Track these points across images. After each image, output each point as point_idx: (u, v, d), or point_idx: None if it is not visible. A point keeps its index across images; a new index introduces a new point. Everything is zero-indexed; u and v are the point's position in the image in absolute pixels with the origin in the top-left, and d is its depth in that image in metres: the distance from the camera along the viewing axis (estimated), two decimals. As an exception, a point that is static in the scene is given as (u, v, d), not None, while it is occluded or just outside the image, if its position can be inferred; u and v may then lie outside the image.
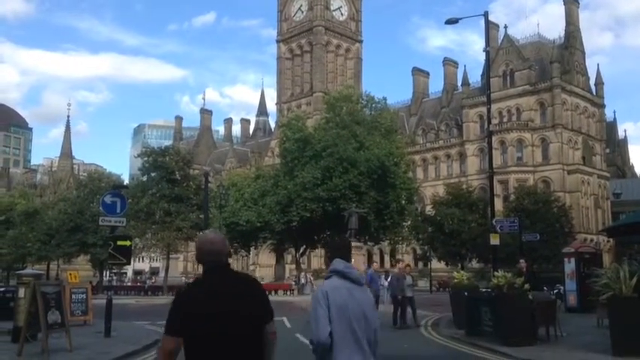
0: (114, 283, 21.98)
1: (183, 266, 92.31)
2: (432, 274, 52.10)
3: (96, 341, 13.16)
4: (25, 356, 10.74)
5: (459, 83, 79.15)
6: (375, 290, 17.82)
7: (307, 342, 12.84)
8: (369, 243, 53.04)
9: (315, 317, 3.56)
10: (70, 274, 23.33)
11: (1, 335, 13.62)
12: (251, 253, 71.28)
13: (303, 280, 45.57)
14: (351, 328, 3.54)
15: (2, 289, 21.20)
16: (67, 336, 11.78)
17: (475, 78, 76.24)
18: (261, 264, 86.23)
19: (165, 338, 3.15)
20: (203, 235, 3.46)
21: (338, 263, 3.81)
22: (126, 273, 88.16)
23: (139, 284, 56.43)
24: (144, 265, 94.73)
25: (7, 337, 12.87)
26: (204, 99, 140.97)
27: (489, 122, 21.47)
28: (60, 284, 13.09)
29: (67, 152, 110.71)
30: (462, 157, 74.64)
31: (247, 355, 3.07)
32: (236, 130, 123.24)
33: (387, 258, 79.32)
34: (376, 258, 78.77)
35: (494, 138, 49.46)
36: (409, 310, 16.62)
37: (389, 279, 18.01)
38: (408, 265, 21.48)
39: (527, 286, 12.19)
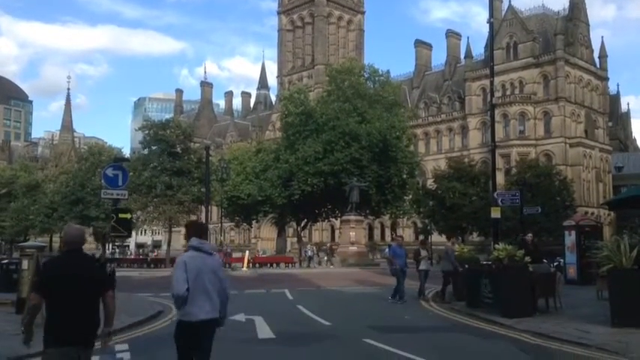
0: (117, 256, 22.20)
1: (185, 239, 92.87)
2: (433, 247, 52.28)
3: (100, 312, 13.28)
4: (30, 327, 10.82)
5: (462, 56, 78.45)
6: (401, 266, 16.29)
7: (309, 313, 12.98)
8: (369, 217, 53.22)
9: (176, 278, 5.01)
10: (73, 246, 23.44)
11: (5, 306, 13.75)
12: (253, 226, 71.62)
13: (309, 253, 45.65)
14: (203, 285, 5.04)
15: (5, 261, 21.36)
16: (70, 307, 11.87)
17: (478, 50, 75.59)
18: (262, 237, 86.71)
19: (32, 295, 4.52)
20: (67, 227, 4.84)
21: (194, 240, 5.26)
22: (128, 246, 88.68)
23: (141, 257, 56.74)
24: (146, 238, 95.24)
25: (12, 309, 12.99)
26: (205, 72, 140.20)
27: (492, 95, 21.28)
28: (63, 256, 13.13)
29: (67, 125, 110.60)
30: (464, 130, 74.38)
31: (87, 307, 4.51)
32: (236, 103, 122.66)
33: (387, 232, 79.70)
34: (377, 232, 79.25)
35: (496, 111, 49.04)
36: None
37: (445, 253, 17.23)
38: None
39: (527, 258, 12.24)
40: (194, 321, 5.00)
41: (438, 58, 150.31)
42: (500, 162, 58.33)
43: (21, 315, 11.48)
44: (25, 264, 13.03)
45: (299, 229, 53.65)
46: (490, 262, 13.59)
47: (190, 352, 5.11)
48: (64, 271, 4.53)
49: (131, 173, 29.88)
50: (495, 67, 26.24)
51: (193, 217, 67.26)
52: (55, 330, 4.42)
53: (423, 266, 16.74)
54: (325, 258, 43.72)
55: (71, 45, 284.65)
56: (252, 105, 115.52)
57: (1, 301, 14.49)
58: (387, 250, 38.70)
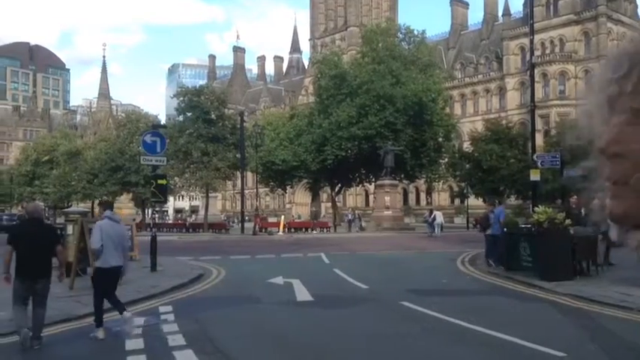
0: (157, 221, 22.61)
1: (222, 204, 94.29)
2: (469, 211, 51.88)
3: (143, 275, 13.67)
4: (77, 289, 11.25)
5: (500, 14, 76.08)
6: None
7: (346, 276, 13.08)
8: (404, 181, 52.90)
9: (94, 238, 7.71)
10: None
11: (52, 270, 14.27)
12: (287, 191, 72.14)
13: (350, 217, 45.30)
14: (113, 243, 7.53)
15: (51, 226, 22.07)
16: (115, 270, 12.26)
17: (517, 8, 73.24)
18: (297, 202, 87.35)
19: (7, 247, 6.97)
20: (28, 204, 9.65)
21: (107, 212, 7.96)
22: (167, 211, 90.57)
23: (179, 222, 58.01)
24: (184, 203, 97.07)
25: (58, 272, 13.45)
26: (238, 37, 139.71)
27: (532, 53, 20.67)
28: (106, 221, 13.49)
29: (104, 93, 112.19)
30: (502, 91, 72.64)
31: (40, 255, 6.95)
32: (269, 68, 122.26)
33: (422, 196, 79.28)
34: (412, 196, 78.89)
35: (535, 70, 47.51)
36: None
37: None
38: None
39: (568, 221, 12.02)
40: (107, 267, 7.51)
41: (475, 16, 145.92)
42: (539, 123, 56.89)
43: (67, 278, 11.92)
44: (69, 229, 13.46)
45: (333, 194, 53.74)
46: (529, 226, 13.40)
47: (105, 287, 7.63)
48: (26, 231, 7.23)
49: (168, 140, 30.15)
50: (535, 25, 25.25)
51: (229, 183, 68.27)
52: (19, 268, 6.89)
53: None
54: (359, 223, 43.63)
55: (103, 14, 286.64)
56: (284, 69, 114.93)
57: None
58: (426, 214, 39.13)
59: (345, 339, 7.46)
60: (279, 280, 13.03)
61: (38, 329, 7.03)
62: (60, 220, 41.83)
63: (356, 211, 49.03)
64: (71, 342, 7.59)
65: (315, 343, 7.30)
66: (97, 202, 58.91)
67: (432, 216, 35.81)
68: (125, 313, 7.64)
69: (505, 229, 14.30)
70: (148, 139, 14.37)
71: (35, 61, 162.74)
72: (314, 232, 40.91)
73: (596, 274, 12.46)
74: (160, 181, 14.85)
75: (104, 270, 7.48)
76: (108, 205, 8.20)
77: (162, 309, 9.54)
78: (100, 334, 7.32)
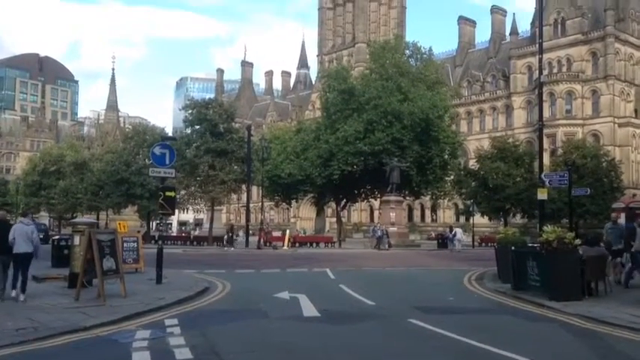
0: (164, 234, 22.42)
1: (226, 217, 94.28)
2: (474, 229, 51.66)
3: (149, 288, 13.63)
4: (83, 301, 11.20)
5: (507, 32, 76.48)
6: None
7: (352, 292, 12.97)
8: (409, 197, 52.78)
9: (10, 234, 11.20)
10: (119, 224, 24.06)
11: (58, 281, 14.25)
12: (292, 205, 72.11)
13: (379, 233, 38.57)
14: (23, 237, 11.31)
15: (56, 237, 22.14)
16: (121, 282, 12.22)
17: (524, 27, 73.54)
18: (302, 217, 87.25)
19: None
20: None
21: (20, 218, 13.17)
22: (171, 224, 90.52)
23: (184, 235, 57.95)
24: (188, 216, 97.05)
25: (64, 283, 13.46)
26: (245, 51, 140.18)
27: (540, 72, 20.67)
28: (114, 233, 13.49)
29: (112, 105, 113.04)
30: (509, 109, 72.77)
31: (3, 240, 11.15)
32: (276, 83, 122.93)
33: (427, 213, 79.09)
34: (417, 213, 78.73)
35: (543, 89, 47.64)
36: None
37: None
38: None
39: (577, 241, 11.95)
40: (19, 252, 11.16)
41: (482, 35, 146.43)
42: (545, 142, 56.35)
43: (73, 289, 11.91)
44: (77, 240, 13.42)
45: (338, 209, 53.68)
46: (538, 245, 13.30)
47: (18, 267, 11.28)
48: None
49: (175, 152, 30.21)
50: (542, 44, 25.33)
51: (234, 196, 68.55)
52: None
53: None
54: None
55: (109, 27, 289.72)
56: (291, 85, 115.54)
57: (53, 275, 15.02)
58: (447, 231, 39.51)
59: (353, 355, 7.39)
60: (285, 294, 12.97)
61: (3, 282, 11.37)
62: (66, 231, 41.81)
63: (383, 226, 40.40)
64: (77, 353, 7.54)
65: (322, 358, 7.23)
66: (102, 214, 59.28)
67: (453, 232, 37.83)
68: (22, 295, 11.19)
69: (513, 248, 14.20)
70: (157, 150, 14.39)
71: (44, 72, 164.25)
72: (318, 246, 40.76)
73: (605, 295, 12.35)
74: (168, 193, 14.84)
75: (18, 254, 11.17)
76: (23, 214, 14.89)
77: (168, 322, 9.48)
78: (22, 297, 11.17)
